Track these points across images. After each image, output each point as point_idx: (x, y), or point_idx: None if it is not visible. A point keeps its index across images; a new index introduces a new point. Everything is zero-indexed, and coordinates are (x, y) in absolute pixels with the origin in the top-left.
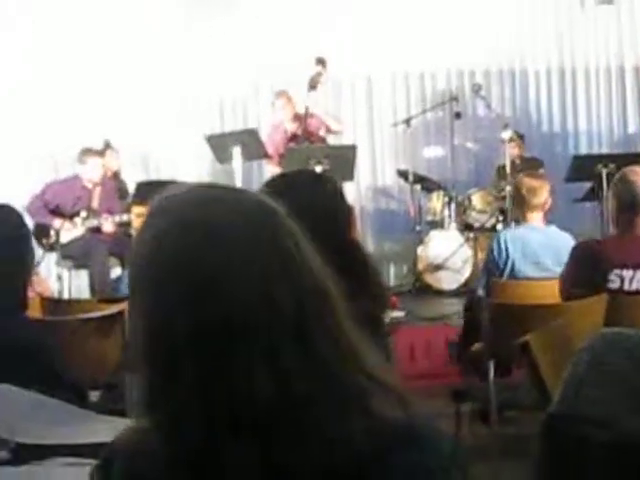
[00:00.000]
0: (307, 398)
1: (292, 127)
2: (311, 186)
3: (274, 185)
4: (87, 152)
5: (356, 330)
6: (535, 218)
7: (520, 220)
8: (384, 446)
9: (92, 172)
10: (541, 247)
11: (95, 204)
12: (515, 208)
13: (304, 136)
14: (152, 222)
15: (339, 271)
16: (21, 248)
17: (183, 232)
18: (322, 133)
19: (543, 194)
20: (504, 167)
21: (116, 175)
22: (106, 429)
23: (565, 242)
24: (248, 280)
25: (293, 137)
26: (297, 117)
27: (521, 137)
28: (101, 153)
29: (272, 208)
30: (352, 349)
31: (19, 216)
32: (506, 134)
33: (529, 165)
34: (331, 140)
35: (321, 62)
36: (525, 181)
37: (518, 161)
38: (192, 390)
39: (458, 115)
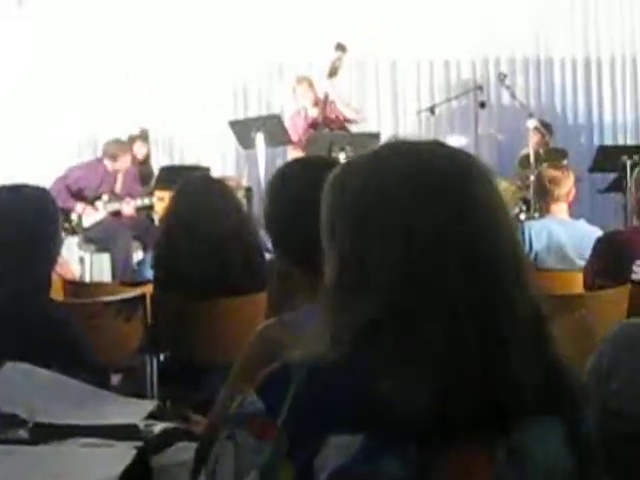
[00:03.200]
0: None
1: (313, 113)
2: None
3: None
4: (112, 150)
5: None
6: (559, 209)
7: (544, 211)
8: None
9: (115, 166)
10: (565, 239)
11: (118, 188)
12: (538, 199)
13: (324, 123)
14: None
15: None
16: (50, 230)
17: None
18: (343, 118)
19: (567, 184)
20: (528, 157)
21: (145, 161)
22: (127, 411)
23: (591, 235)
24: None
25: (314, 124)
26: (318, 103)
27: (546, 127)
28: (132, 141)
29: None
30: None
31: (50, 198)
32: (531, 123)
33: (553, 155)
34: (353, 128)
35: (341, 47)
36: (548, 172)
37: (542, 151)
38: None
39: (482, 104)
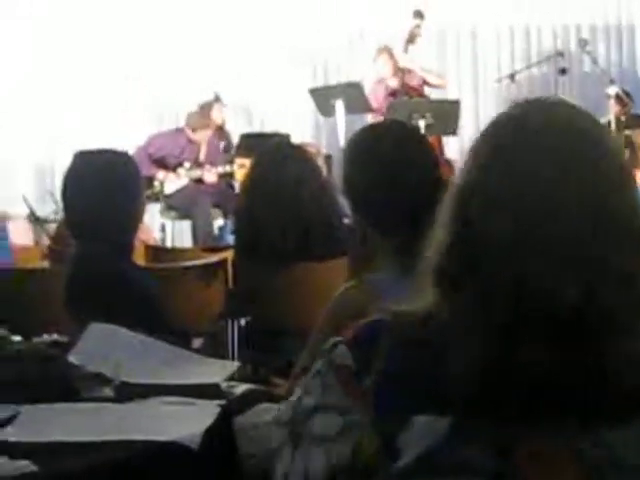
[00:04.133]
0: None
1: (393, 83)
2: None
3: None
4: (193, 120)
5: None
6: None
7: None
8: None
9: (196, 136)
10: None
11: (201, 156)
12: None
13: (404, 91)
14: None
15: None
16: (134, 195)
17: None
18: (424, 89)
19: None
20: (609, 124)
21: (221, 128)
22: (209, 371)
23: None
24: None
25: (394, 93)
26: (399, 72)
27: (628, 95)
28: (209, 107)
29: None
30: None
31: (134, 164)
32: (612, 90)
33: (635, 122)
34: (434, 95)
35: (419, 15)
36: (637, 133)
37: (623, 118)
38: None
39: (563, 71)
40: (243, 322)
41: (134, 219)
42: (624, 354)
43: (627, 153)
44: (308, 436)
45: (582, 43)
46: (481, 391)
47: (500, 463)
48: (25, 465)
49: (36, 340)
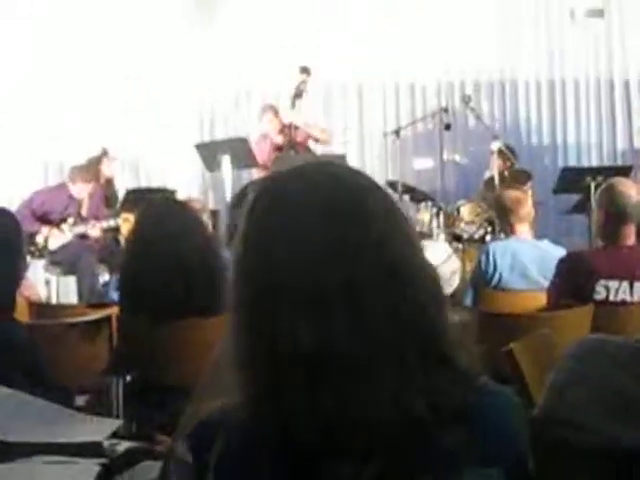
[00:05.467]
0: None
1: (278, 140)
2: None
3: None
4: (77, 174)
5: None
6: (524, 230)
7: (508, 232)
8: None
9: (79, 193)
10: (529, 259)
11: (83, 211)
12: (501, 221)
13: (290, 146)
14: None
15: None
16: (14, 251)
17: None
18: (310, 144)
19: (528, 204)
20: (492, 179)
21: (109, 182)
22: (92, 429)
23: (555, 255)
24: None
25: (279, 147)
26: (283, 129)
27: (511, 150)
28: (97, 162)
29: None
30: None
31: (15, 221)
32: (495, 146)
33: (517, 177)
34: (320, 150)
35: (305, 71)
36: (509, 194)
37: (506, 173)
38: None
39: (448, 126)
40: (128, 379)
41: (15, 276)
42: (361, 398)
43: (507, 210)
44: None
45: (466, 98)
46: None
47: None
48: None
49: None
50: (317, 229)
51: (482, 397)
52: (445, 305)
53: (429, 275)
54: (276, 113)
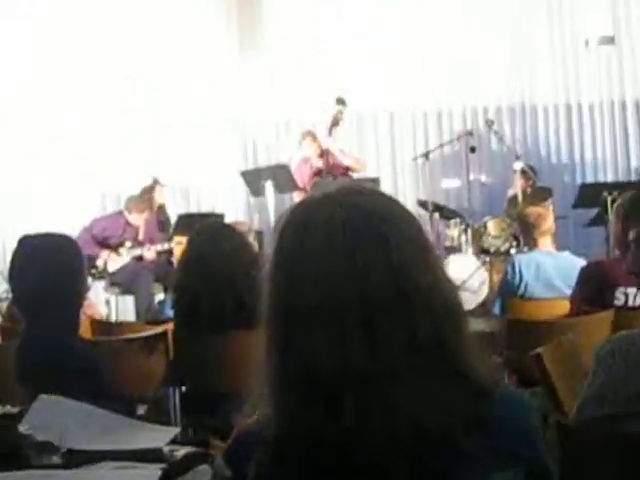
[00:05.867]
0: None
1: (318, 163)
2: None
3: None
4: (133, 203)
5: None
6: (546, 243)
7: (532, 246)
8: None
9: (135, 220)
10: (553, 270)
11: (140, 236)
12: (525, 236)
13: (328, 171)
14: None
15: None
16: (76, 274)
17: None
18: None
19: (550, 219)
20: (516, 196)
21: (161, 208)
22: (152, 436)
23: (576, 265)
24: None
25: (318, 172)
26: (322, 154)
27: (532, 169)
28: (150, 191)
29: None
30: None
31: (77, 247)
32: (517, 165)
33: (539, 194)
34: (355, 175)
35: (341, 102)
36: (531, 209)
37: (529, 190)
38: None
39: (473, 149)
40: (184, 389)
41: (78, 296)
42: (378, 416)
43: (530, 225)
44: None
45: (489, 123)
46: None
47: None
48: None
49: None
50: (339, 259)
51: (497, 404)
52: (464, 325)
53: (449, 300)
54: (314, 138)
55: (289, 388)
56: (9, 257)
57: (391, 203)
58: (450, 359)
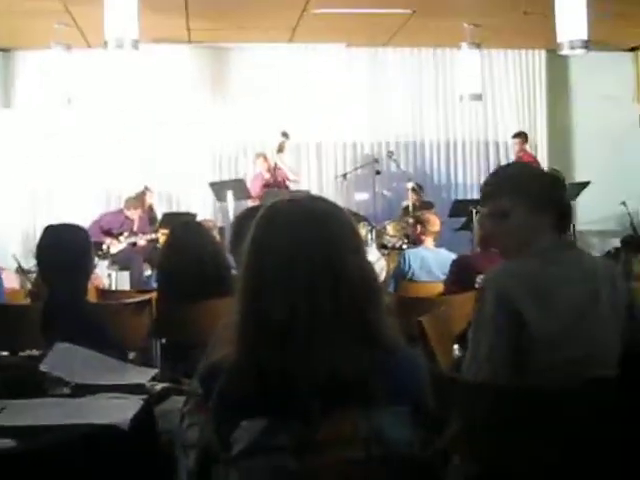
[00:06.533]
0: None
1: (267, 177)
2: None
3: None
4: (130, 203)
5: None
6: (429, 242)
7: (418, 242)
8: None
9: (132, 215)
10: (433, 261)
11: (134, 228)
12: (417, 234)
13: (274, 184)
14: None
15: None
16: (87, 255)
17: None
18: (287, 183)
19: (437, 224)
20: (407, 207)
21: (150, 207)
22: (137, 375)
23: (450, 258)
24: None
25: (266, 184)
26: (270, 170)
27: (420, 187)
28: (142, 195)
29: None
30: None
31: (86, 233)
32: (409, 184)
33: (424, 205)
34: (292, 187)
35: (284, 134)
36: (427, 216)
37: (417, 203)
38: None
39: (378, 172)
40: (163, 341)
41: (87, 271)
42: (323, 359)
43: (418, 228)
44: (186, 444)
45: (390, 154)
46: (259, 391)
47: (302, 442)
48: (7, 442)
49: (19, 354)
50: (293, 243)
51: (398, 359)
52: (378, 298)
53: (367, 277)
54: (265, 159)
55: (249, 329)
56: (36, 241)
57: (331, 205)
58: (365, 323)
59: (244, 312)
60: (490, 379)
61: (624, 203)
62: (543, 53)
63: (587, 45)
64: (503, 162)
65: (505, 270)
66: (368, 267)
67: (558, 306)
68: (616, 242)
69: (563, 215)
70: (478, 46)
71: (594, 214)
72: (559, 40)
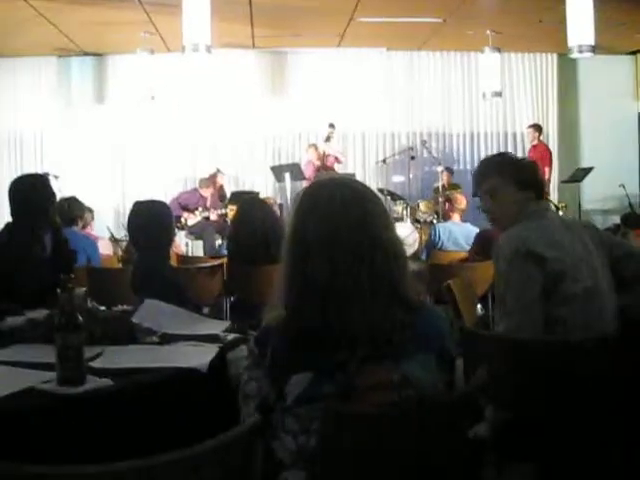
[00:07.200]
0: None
1: (317, 164)
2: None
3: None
4: (203, 183)
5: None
6: (456, 217)
7: (446, 218)
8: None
9: (205, 193)
10: (459, 234)
11: (208, 204)
12: (446, 210)
13: (323, 168)
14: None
15: None
16: (169, 227)
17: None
18: (335, 167)
19: (464, 202)
20: (438, 187)
21: (221, 187)
22: (212, 327)
23: (473, 232)
24: None
25: (317, 169)
26: (320, 158)
27: (450, 170)
28: (214, 176)
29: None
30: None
31: (168, 208)
32: (440, 168)
33: (453, 187)
34: (340, 170)
35: (332, 125)
36: (455, 195)
37: (447, 184)
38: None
39: (413, 157)
40: (232, 299)
41: (169, 239)
42: (360, 316)
43: (447, 205)
44: (246, 394)
45: (423, 142)
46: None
47: (345, 390)
48: (106, 381)
49: (114, 309)
50: (335, 215)
51: (423, 314)
52: (405, 265)
53: (397, 249)
54: (316, 148)
55: (295, 291)
56: (126, 215)
57: (366, 187)
58: (394, 286)
59: (290, 275)
60: (526, 317)
61: (623, 186)
62: (555, 56)
63: (594, 49)
64: (520, 151)
65: (514, 230)
66: (397, 240)
67: (564, 245)
68: (616, 219)
69: (540, 189)
70: (499, 50)
71: (597, 195)
72: (569, 45)
